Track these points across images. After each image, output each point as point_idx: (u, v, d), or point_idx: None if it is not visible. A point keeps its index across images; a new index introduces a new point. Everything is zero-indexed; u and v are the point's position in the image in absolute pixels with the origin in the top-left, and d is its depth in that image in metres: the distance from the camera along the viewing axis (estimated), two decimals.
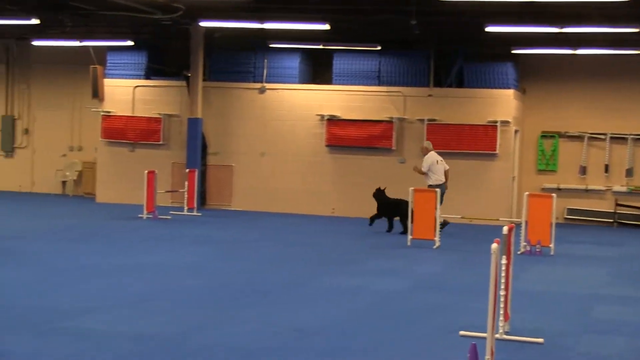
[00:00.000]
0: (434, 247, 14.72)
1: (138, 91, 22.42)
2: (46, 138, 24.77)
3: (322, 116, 21.32)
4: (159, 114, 22.19)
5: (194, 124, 21.40)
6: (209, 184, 22.09)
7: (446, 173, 17.44)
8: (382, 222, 17.39)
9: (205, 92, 21.71)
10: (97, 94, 22.28)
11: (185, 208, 19.71)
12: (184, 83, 21.84)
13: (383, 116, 21.02)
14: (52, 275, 10.42)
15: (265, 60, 21.84)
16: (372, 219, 17.60)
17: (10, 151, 25.02)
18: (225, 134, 22.00)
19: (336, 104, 21.38)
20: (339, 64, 21.47)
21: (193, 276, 10.84)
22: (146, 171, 18.34)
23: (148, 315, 8.27)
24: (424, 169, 17.51)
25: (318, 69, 22.40)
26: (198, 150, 21.45)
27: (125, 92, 22.43)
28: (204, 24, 20.09)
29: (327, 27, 18.77)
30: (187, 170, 20.30)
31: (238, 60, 22.04)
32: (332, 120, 21.26)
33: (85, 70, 22.74)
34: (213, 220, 18.91)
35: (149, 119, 22.23)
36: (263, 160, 21.74)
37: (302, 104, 21.56)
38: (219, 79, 22.10)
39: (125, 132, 22.36)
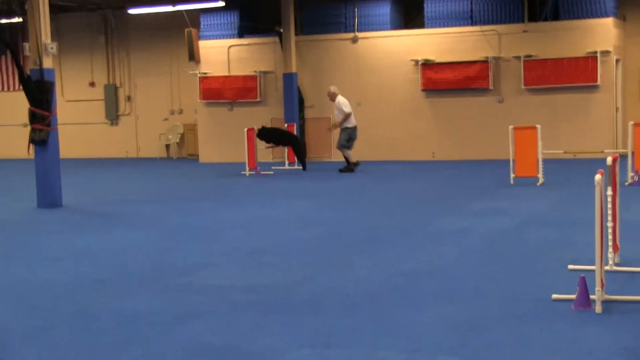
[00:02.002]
0: (538, 184, 14.57)
1: (232, 50, 22.71)
2: (148, 104, 25.40)
3: (417, 61, 21.16)
4: (255, 71, 22.45)
5: (289, 79, 21.58)
6: (308, 137, 22.30)
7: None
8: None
9: (298, 47, 21.82)
10: (193, 56, 22.67)
11: (287, 162, 19.98)
12: (276, 39, 21.99)
13: (478, 56, 20.71)
14: (165, 235, 10.80)
15: (356, 10, 21.76)
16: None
17: (115, 119, 25.78)
18: (320, 87, 22.09)
19: (430, 48, 21.17)
20: (430, 7, 21.20)
21: (301, 228, 11.05)
22: (246, 129, 18.64)
23: (259, 268, 8.52)
24: (347, 109, 18.40)
25: (409, 14, 22.21)
26: (295, 104, 21.64)
27: (220, 52, 22.76)
28: None
29: None
30: (286, 124, 20.52)
31: (329, 11, 22.04)
32: (427, 65, 21.08)
33: (181, 34, 23.16)
34: (314, 172, 19.11)
35: (245, 77, 22.52)
36: (360, 109, 21.75)
37: (396, 50, 21.44)
38: (311, 33, 22.18)
39: (223, 92, 22.73)
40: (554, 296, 6.61)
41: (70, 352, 5.75)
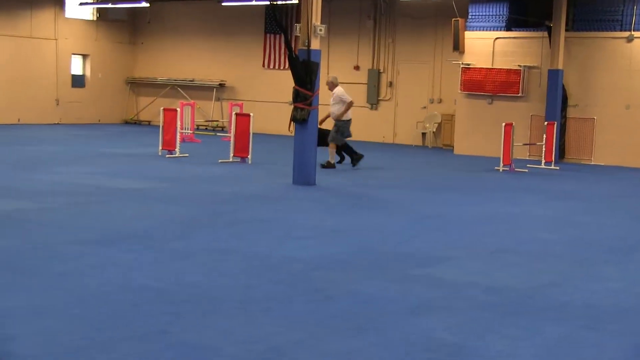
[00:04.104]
0: None
1: (498, 43, 22.26)
2: (408, 91, 25.53)
3: None
4: (519, 65, 21.89)
5: (554, 76, 20.81)
6: (568, 137, 21.44)
7: None
8: None
9: (567, 43, 20.97)
10: (458, 46, 22.48)
11: (543, 161, 19.33)
12: (545, 34, 21.27)
13: None
14: (410, 222, 10.76)
15: (635, 7, 20.55)
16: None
17: (375, 104, 26.15)
18: (586, 86, 21.15)
19: None
20: None
21: (549, 230, 10.61)
22: (504, 123, 18.22)
23: (502, 267, 8.25)
24: (348, 99, 16.80)
25: None
26: (558, 102, 20.85)
27: (485, 44, 22.39)
28: None
29: None
30: (546, 123, 19.83)
31: (604, 8, 20.97)
32: None
33: (447, 24, 23.04)
34: (572, 174, 18.36)
35: (508, 71, 22.00)
36: (628, 113, 20.60)
37: None
38: (582, 29, 21.23)
39: (484, 85, 22.36)
40: None
41: (304, 328, 5.84)
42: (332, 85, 17.30)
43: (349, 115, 17.08)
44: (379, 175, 16.67)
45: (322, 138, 17.21)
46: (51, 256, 7.79)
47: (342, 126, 17.09)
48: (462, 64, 22.62)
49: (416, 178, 16.49)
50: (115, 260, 7.73)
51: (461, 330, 5.93)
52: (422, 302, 6.66)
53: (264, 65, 28.01)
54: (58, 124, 28.25)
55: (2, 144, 19.77)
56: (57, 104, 28.61)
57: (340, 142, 17.28)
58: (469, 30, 22.57)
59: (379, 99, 26.09)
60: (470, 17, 22.65)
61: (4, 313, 5.89)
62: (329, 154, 17.19)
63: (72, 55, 29.14)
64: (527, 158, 20.81)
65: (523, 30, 22.06)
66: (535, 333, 5.91)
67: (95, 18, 29.77)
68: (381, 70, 26.03)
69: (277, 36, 27.22)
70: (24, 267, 7.31)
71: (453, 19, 22.38)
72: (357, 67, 26.37)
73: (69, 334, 5.49)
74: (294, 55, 14.26)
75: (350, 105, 16.93)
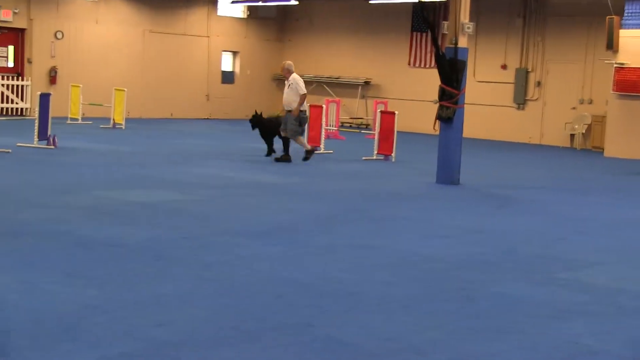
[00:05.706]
0: None
1: None
2: (557, 91, 24.85)
3: None
4: None
5: None
6: None
7: None
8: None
9: None
10: (611, 45, 21.68)
11: None
12: None
13: None
14: (556, 225, 10.48)
15: None
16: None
17: (522, 103, 25.59)
18: None
19: None
20: None
21: None
22: None
23: None
24: (303, 91, 15.70)
25: None
26: None
27: None
28: None
29: None
30: None
31: None
32: None
33: (601, 22, 22.27)
34: None
35: None
36: None
37: None
38: None
39: None
40: None
41: (444, 328, 5.79)
42: (287, 72, 16.18)
43: (305, 105, 16.16)
44: (525, 176, 16.31)
45: (273, 130, 16.66)
46: (200, 247, 8.05)
47: (303, 118, 16.22)
48: (616, 63, 21.81)
49: (564, 180, 16.04)
50: (262, 252, 7.91)
51: (610, 337, 5.74)
52: (569, 306, 6.48)
53: (409, 64, 27.91)
54: (208, 118, 29.10)
55: (156, 137, 20.56)
56: (207, 99, 29.48)
57: (299, 134, 16.31)
58: (625, 28, 21.72)
59: (526, 98, 25.51)
60: (626, 14, 21.80)
61: (153, 300, 6.12)
62: (303, 145, 16.30)
63: (223, 52, 29.95)
64: None
65: None
66: None
67: (245, 16, 30.48)
68: (529, 70, 25.45)
69: (424, 34, 27.07)
70: (174, 256, 7.57)
71: (607, 17, 21.61)
72: (504, 66, 25.88)
73: (215, 322, 5.66)
74: (440, 53, 14.16)
75: (304, 97, 15.93)
